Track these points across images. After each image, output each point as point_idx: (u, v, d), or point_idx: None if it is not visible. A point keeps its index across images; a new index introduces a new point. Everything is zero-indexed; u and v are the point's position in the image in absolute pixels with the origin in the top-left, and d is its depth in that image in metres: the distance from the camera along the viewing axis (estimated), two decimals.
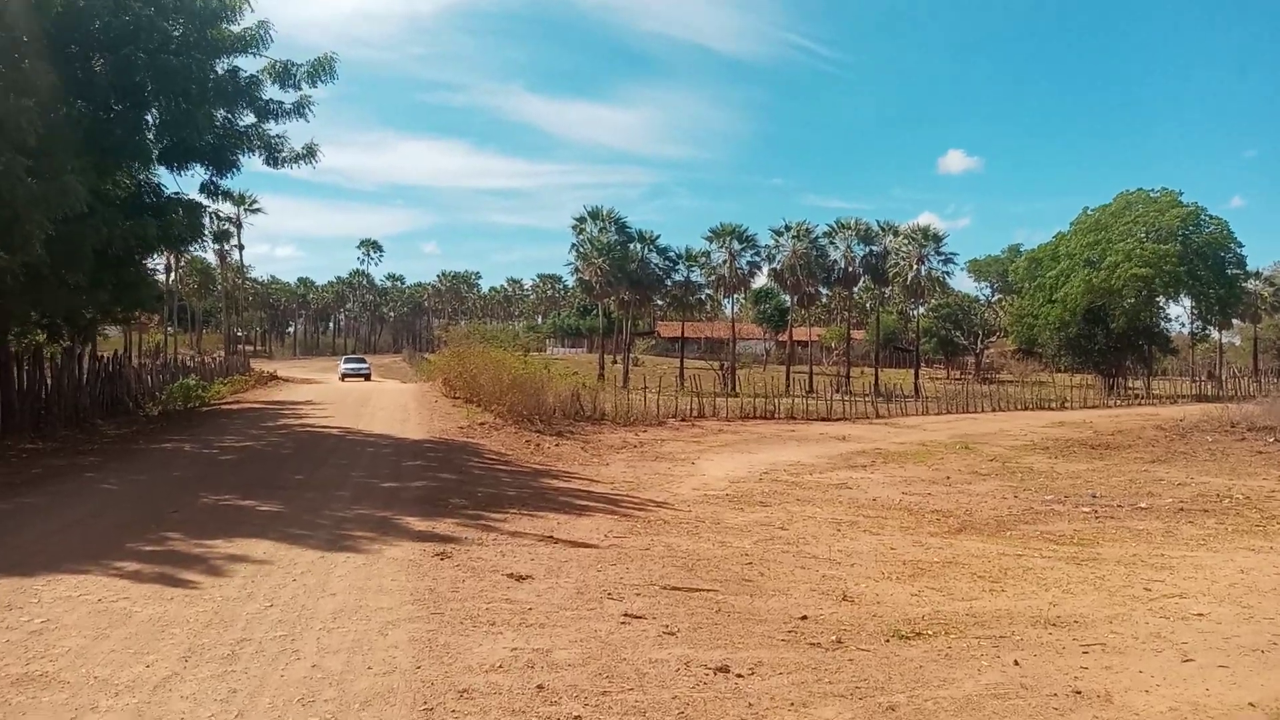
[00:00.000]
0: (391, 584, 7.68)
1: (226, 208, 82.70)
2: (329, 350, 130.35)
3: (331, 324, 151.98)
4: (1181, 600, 8.68)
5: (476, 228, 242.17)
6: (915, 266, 62.82)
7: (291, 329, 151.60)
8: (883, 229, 65.00)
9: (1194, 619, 7.99)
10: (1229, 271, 61.98)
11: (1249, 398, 44.78)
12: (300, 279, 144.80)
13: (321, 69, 19.22)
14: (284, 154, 20.07)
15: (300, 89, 19.60)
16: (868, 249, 65.06)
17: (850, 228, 65.02)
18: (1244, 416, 32.62)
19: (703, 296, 75.49)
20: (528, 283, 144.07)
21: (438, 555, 8.77)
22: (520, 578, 8.01)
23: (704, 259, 66.75)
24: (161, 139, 18.55)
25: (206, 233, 22.90)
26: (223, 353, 73.38)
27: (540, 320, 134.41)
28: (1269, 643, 7.28)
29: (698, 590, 8.05)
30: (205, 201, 21.05)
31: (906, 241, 63.38)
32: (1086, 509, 15.35)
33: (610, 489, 15.06)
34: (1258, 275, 76.23)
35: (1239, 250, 61.84)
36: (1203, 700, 5.65)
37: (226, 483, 13.14)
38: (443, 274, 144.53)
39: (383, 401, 30.36)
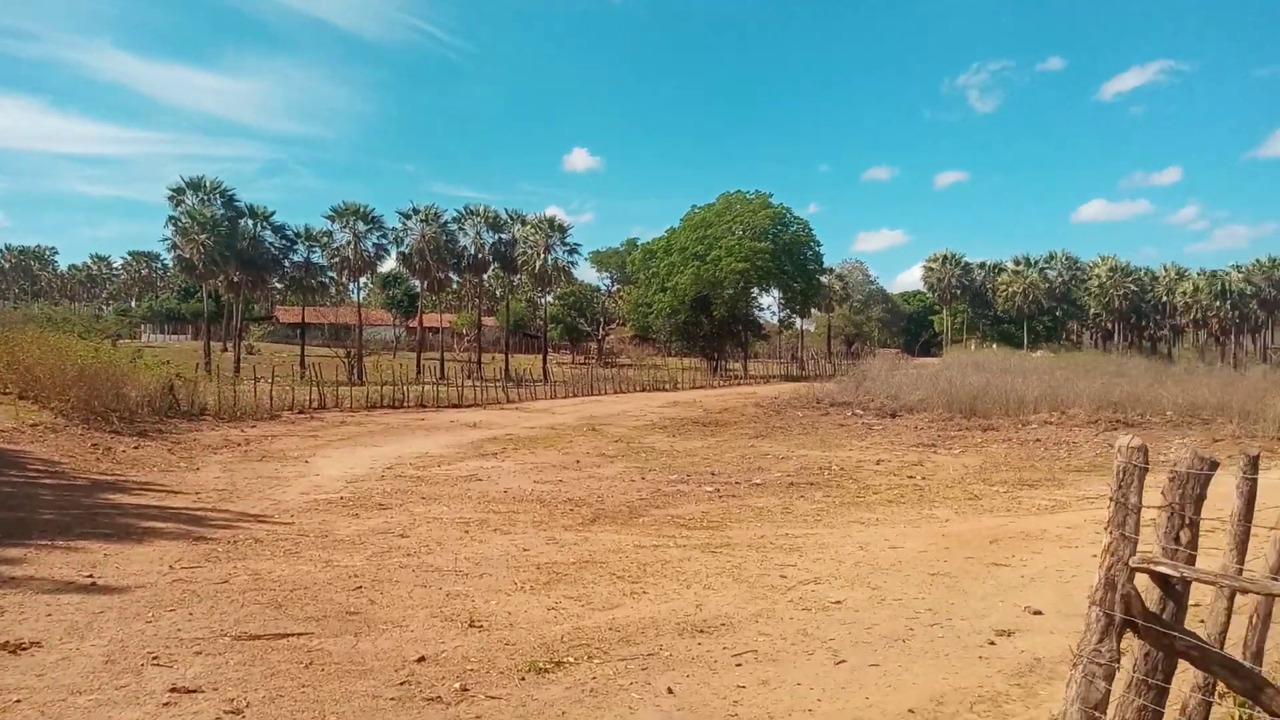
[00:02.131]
0: None
1: None
2: None
3: None
4: (817, 586, 8.53)
5: (54, 198, 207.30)
6: (543, 255, 63.56)
7: None
8: (511, 217, 65.05)
9: (834, 608, 7.79)
10: (809, 267, 69.97)
11: (827, 377, 50.90)
12: None
13: None
14: None
15: None
16: (497, 237, 64.74)
17: (480, 215, 64.28)
18: (826, 394, 36.63)
19: (326, 280, 70.57)
20: (118, 261, 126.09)
21: None
22: (18, 648, 5.76)
23: (326, 239, 62.35)
24: None
25: None
26: None
27: (134, 304, 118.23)
28: (906, 629, 7.18)
29: (285, 636, 6.35)
30: None
31: (534, 231, 63.95)
32: (709, 488, 15.56)
33: (194, 501, 12.51)
34: (831, 271, 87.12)
35: (818, 249, 70.04)
36: (865, 714, 5.14)
37: None
38: (7, 248, 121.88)
39: None
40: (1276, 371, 41.61)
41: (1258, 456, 3.92)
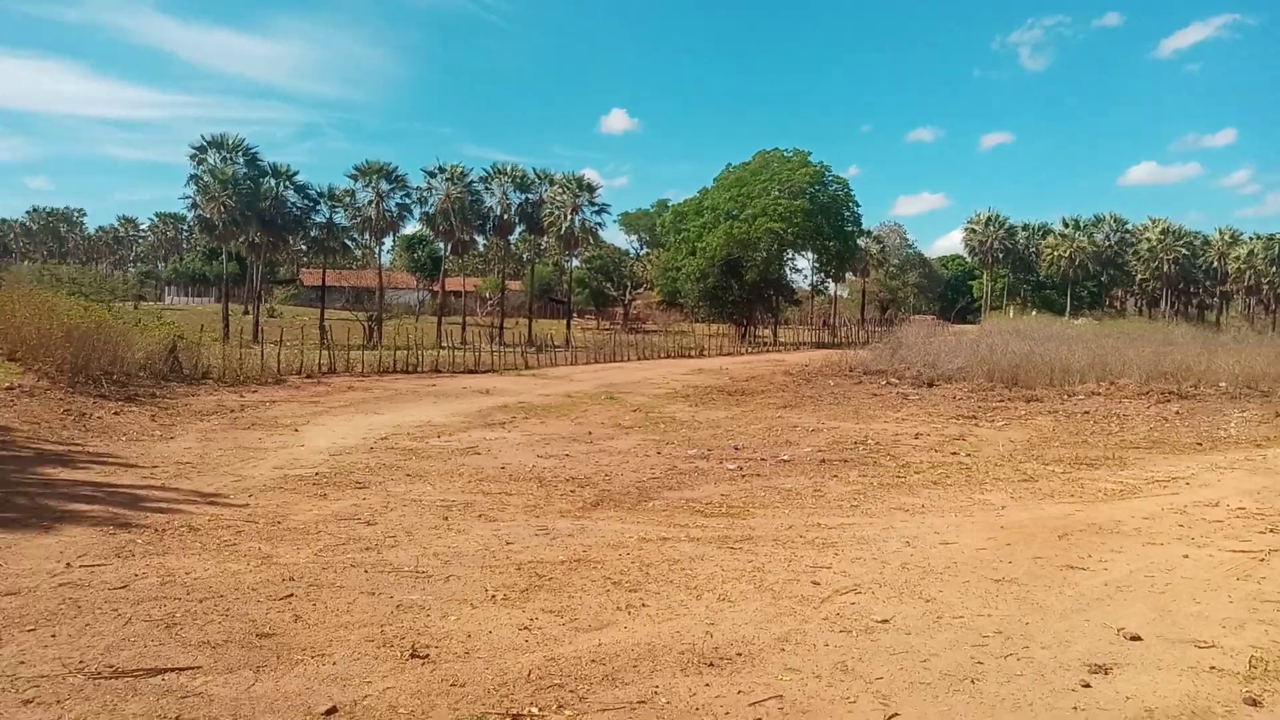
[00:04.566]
0: None
1: None
2: None
3: None
4: (858, 597, 6.92)
5: (92, 161, 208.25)
6: (570, 216, 61.82)
7: None
8: (539, 177, 63.22)
9: (879, 630, 6.18)
10: (847, 229, 67.63)
11: (860, 344, 48.98)
12: None
13: None
14: None
15: None
16: (524, 197, 63.01)
17: (506, 174, 62.51)
18: (859, 362, 34.79)
19: (348, 241, 69.34)
20: (145, 223, 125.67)
21: None
22: None
23: (349, 199, 60.97)
24: None
25: None
26: None
27: (160, 266, 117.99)
28: (973, 663, 5.56)
29: (161, 672, 4.85)
30: None
31: (562, 191, 62.15)
32: (731, 465, 13.96)
33: (143, 477, 11.08)
34: (868, 234, 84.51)
35: (856, 209, 67.64)
36: None
37: None
38: (35, 210, 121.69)
39: None
40: None
41: None
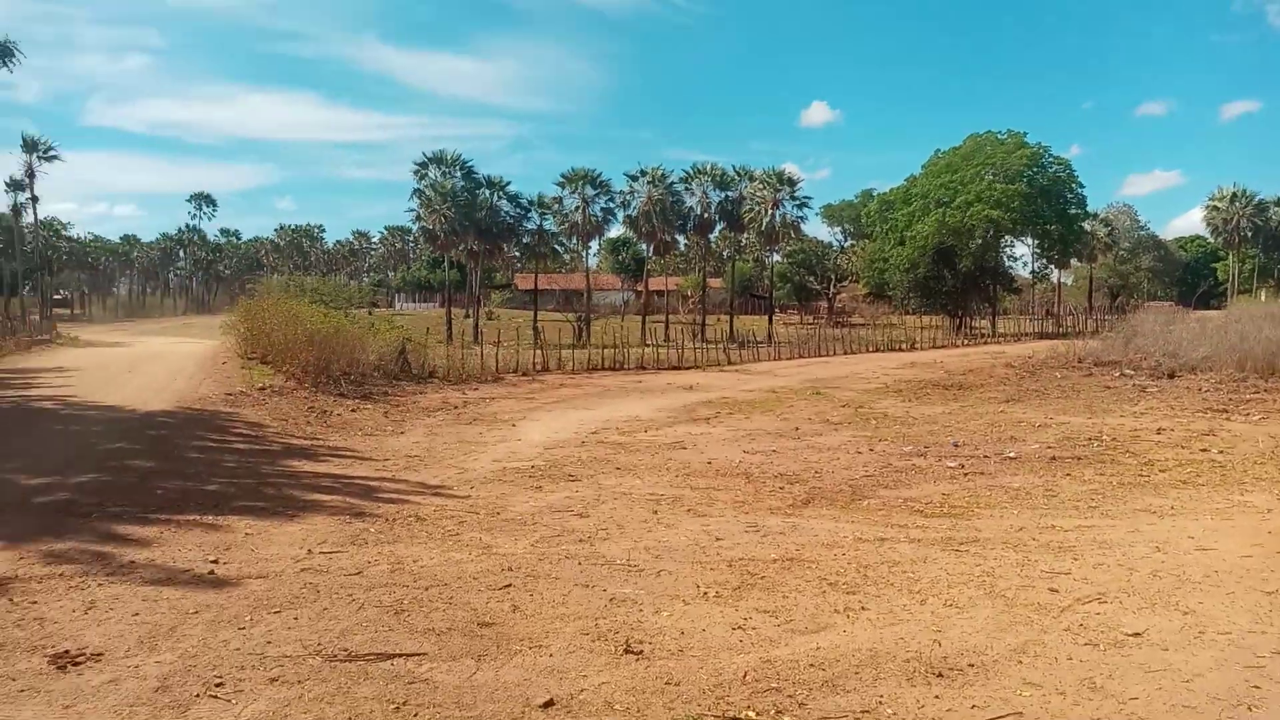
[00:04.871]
0: None
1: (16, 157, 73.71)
2: (157, 312, 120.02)
3: (162, 284, 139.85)
4: (1103, 607, 6.26)
5: (329, 183, 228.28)
6: (770, 211, 61.21)
7: (118, 290, 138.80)
8: (739, 174, 63.05)
9: (1131, 644, 5.54)
10: (1070, 211, 62.98)
11: (1087, 334, 45.35)
12: (124, 236, 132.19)
13: None
14: None
15: None
16: (724, 195, 63.09)
17: (706, 173, 62.81)
18: (1089, 352, 32.14)
19: (557, 246, 71.99)
20: (375, 236, 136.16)
21: None
22: (71, 661, 4.80)
23: (556, 206, 63.30)
24: None
25: None
26: (36, 316, 65.04)
27: (390, 275, 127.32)
28: (1248, 688, 4.88)
29: (391, 657, 5.04)
30: None
31: (762, 186, 61.63)
32: (952, 463, 13.17)
33: (378, 469, 11.81)
34: (1094, 216, 78.31)
35: (1080, 191, 62.89)
36: None
37: None
38: (282, 227, 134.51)
39: (157, 366, 25.78)
40: None
41: None
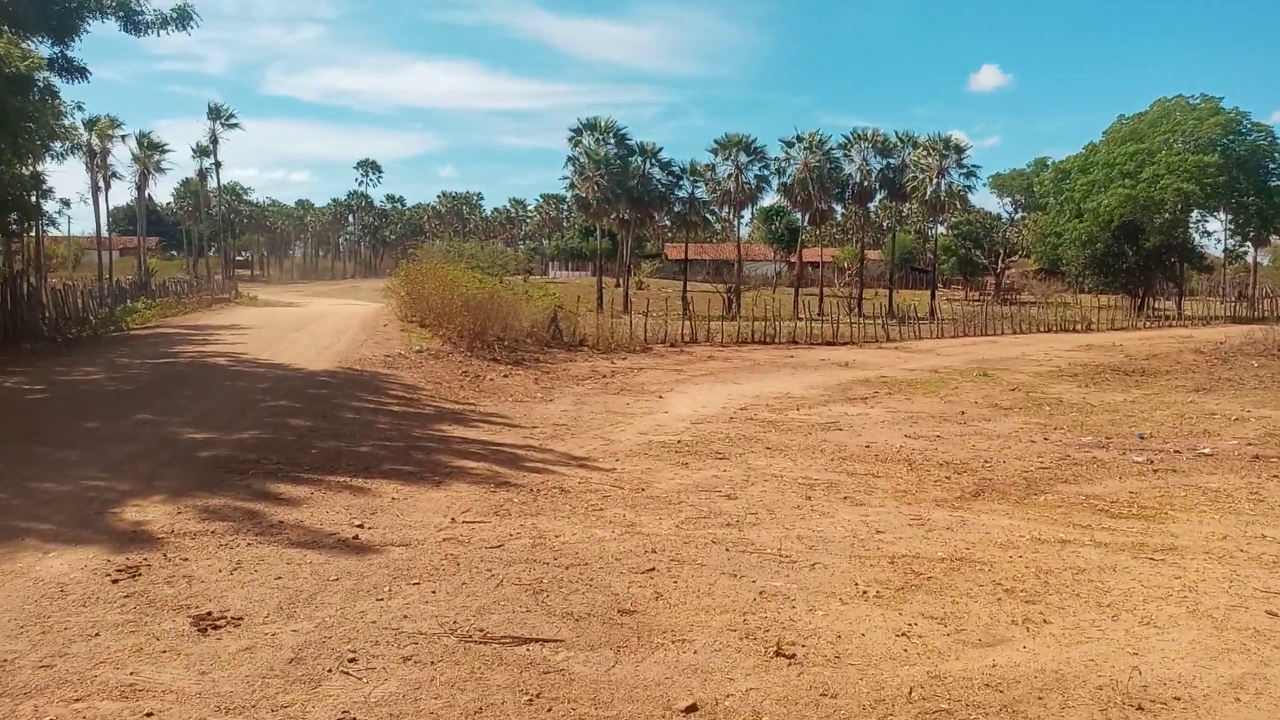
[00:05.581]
0: None
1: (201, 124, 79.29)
2: (328, 274, 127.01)
3: (333, 247, 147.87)
4: None
5: (488, 150, 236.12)
6: (935, 180, 58.51)
7: (294, 253, 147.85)
8: (901, 140, 60.47)
9: None
10: (1271, 184, 57.27)
11: None
12: (299, 201, 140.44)
13: None
14: (145, 16, 16.27)
15: None
16: (885, 162, 60.70)
17: (867, 139, 60.51)
18: None
19: (708, 215, 71.20)
20: (531, 204, 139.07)
21: (121, 572, 5.51)
22: (212, 624, 4.75)
23: (709, 173, 62.54)
24: None
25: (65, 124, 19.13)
26: (220, 276, 70.12)
27: (545, 243, 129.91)
28: None
29: (526, 642, 4.76)
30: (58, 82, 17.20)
31: (926, 153, 58.93)
32: (1138, 457, 11.97)
33: (525, 437, 11.74)
34: None
35: None
36: None
37: None
38: (443, 195, 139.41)
39: (324, 326, 26.98)
40: None
41: None
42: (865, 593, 5.97)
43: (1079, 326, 43.20)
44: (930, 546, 7.16)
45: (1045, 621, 5.58)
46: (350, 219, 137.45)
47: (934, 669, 4.79)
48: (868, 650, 4.99)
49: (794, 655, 4.84)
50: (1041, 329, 41.65)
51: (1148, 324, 47.62)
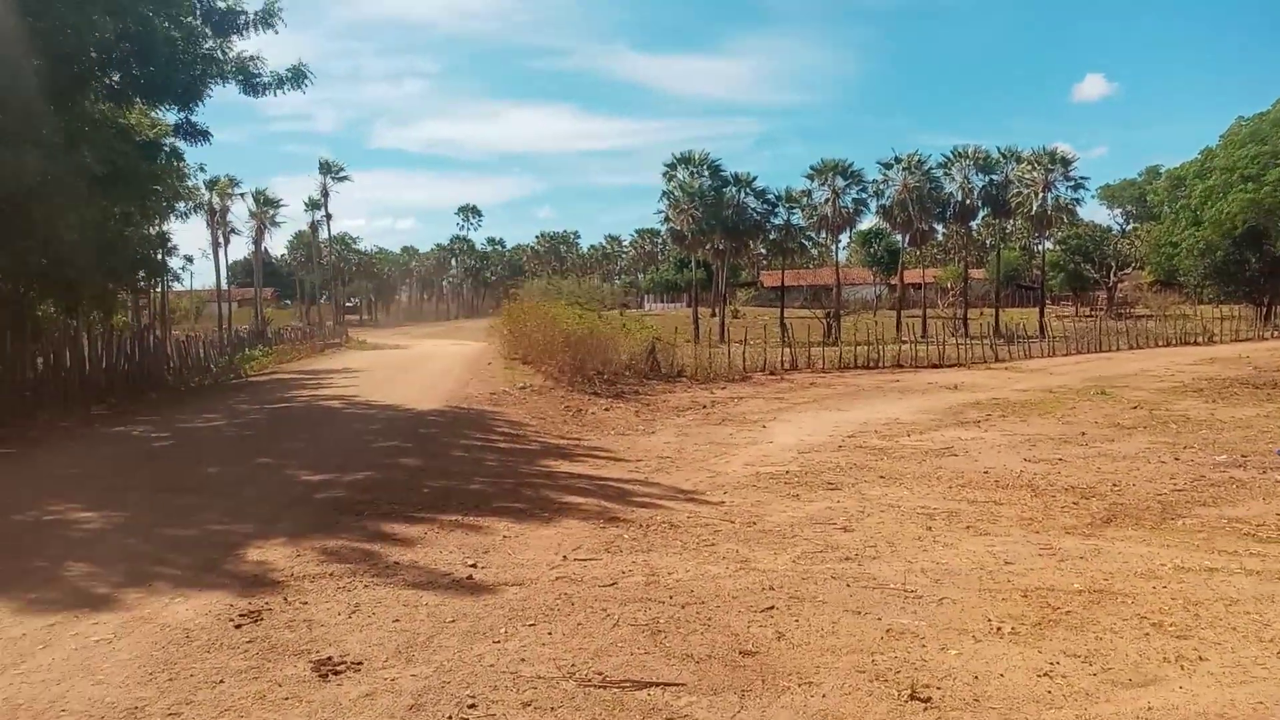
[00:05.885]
0: (90, 689, 4.58)
1: (313, 179, 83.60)
2: (432, 316, 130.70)
3: (436, 290, 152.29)
4: None
5: (583, 190, 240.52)
6: (1041, 194, 56.86)
7: (400, 297, 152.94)
8: (1004, 156, 59.09)
9: None
10: None
11: None
12: (404, 247, 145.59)
13: None
14: (263, 78, 17.13)
15: None
16: (987, 179, 59.34)
17: (968, 156, 59.28)
18: None
19: (804, 241, 70.58)
20: (626, 239, 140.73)
21: (244, 617, 5.61)
22: (332, 669, 4.78)
23: (805, 199, 62.16)
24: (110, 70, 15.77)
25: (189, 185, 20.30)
26: (331, 322, 73.09)
27: (640, 277, 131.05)
28: None
29: (646, 686, 4.64)
30: (184, 145, 18.24)
31: (1031, 167, 57.36)
32: None
33: (631, 470, 11.67)
34: None
35: None
36: None
37: (110, 483, 10.33)
38: (541, 235, 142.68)
39: (430, 366, 27.65)
40: None
41: None
42: (1000, 629, 5.65)
43: (1200, 339, 41.07)
44: (1065, 578, 6.76)
45: (1201, 659, 5.18)
46: (453, 262, 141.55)
47: (1083, 712, 4.48)
48: (1008, 692, 4.70)
49: (929, 699, 4.59)
50: (1160, 343, 39.76)
51: (1275, 334, 44.96)
